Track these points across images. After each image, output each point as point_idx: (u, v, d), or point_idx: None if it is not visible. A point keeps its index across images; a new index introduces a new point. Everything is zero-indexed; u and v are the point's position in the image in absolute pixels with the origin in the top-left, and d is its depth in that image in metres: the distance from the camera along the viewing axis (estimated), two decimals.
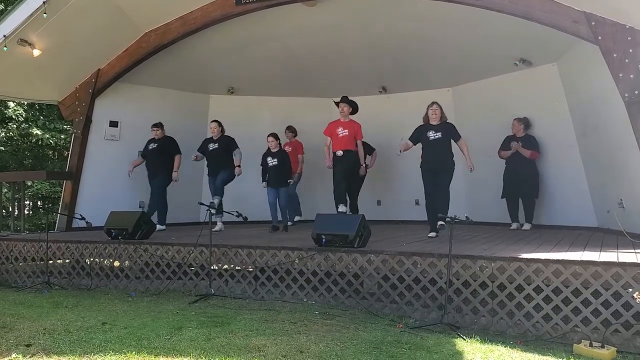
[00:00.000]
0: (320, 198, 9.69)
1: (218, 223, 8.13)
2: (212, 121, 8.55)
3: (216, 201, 7.90)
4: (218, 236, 7.05)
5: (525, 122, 8.54)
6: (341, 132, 7.73)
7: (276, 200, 8.16)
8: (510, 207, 8.50)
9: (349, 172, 7.75)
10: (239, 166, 8.14)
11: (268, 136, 8.30)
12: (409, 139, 7.07)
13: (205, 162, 8.57)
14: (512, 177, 8.38)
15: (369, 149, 9.68)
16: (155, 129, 8.67)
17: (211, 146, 8.35)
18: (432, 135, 6.84)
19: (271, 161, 8.17)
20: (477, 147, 7.99)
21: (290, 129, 9.87)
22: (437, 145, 6.80)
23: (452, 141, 6.88)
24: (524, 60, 8.29)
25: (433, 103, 6.96)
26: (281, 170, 8.13)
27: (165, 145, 8.62)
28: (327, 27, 8.22)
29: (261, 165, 8.38)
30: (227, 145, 8.30)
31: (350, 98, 8.03)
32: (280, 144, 8.39)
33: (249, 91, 10.38)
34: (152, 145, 8.68)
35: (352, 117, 7.99)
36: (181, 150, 8.66)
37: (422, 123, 7.04)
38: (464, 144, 6.91)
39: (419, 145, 7.06)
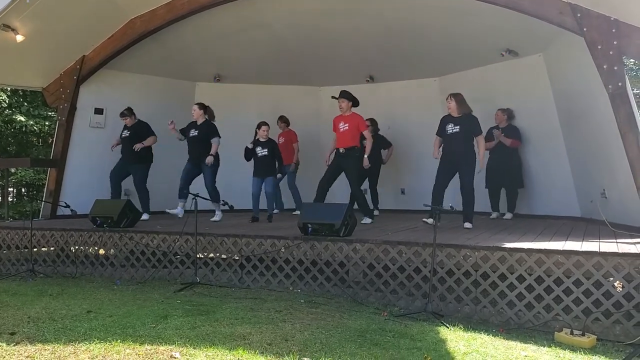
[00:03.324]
0: (311, 188, 9.68)
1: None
2: (195, 104, 8.13)
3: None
4: (204, 225, 7.03)
5: (509, 113, 8.64)
6: (342, 126, 7.58)
7: (260, 191, 7.91)
8: (492, 197, 8.60)
9: (351, 173, 7.63)
10: (212, 155, 7.76)
11: (262, 125, 7.99)
12: (437, 133, 6.87)
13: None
14: (496, 168, 8.46)
15: (385, 143, 9.67)
16: (123, 118, 8.42)
17: (192, 132, 7.96)
18: (450, 128, 6.66)
19: (261, 151, 7.89)
20: None
21: (283, 119, 9.76)
22: (454, 140, 6.62)
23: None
24: (510, 51, 8.33)
25: (448, 95, 6.76)
26: (271, 161, 7.91)
27: (138, 131, 8.38)
28: (315, 15, 8.17)
29: (246, 150, 7.99)
30: (208, 132, 7.91)
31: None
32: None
33: (236, 79, 10.33)
34: (125, 133, 8.45)
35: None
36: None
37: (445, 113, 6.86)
38: (482, 142, 6.77)
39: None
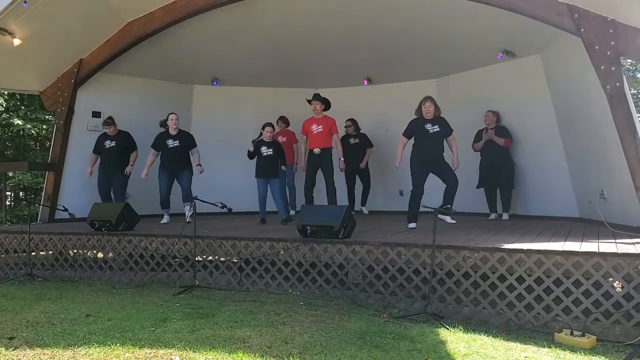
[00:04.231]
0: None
1: (165, 216, 8.23)
2: (172, 113, 8.12)
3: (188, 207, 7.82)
4: (202, 227, 7.01)
5: (498, 115, 8.74)
6: (315, 128, 7.75)
7: (267, 192, 7.91)
8: (489, 198, 8.62)
9: (326, 169, 7.70)
10: (200, 165, 8.04)
11: (266, 126, 8.03)
12: (404, 134, 6.88)
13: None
14: (488, 168, 8.50)
15: (368, 143, 9.72)
16: (107, 127, 8.45)
17: (171, 143, 8.05)
18: (430, 128, 6.69)
19: (266, 151, 7.89)
20: (460, 138, 7.99)
21: (283, 119, 9.79)
22: (436, 139, 6.70)
23: None
24: (507, 52, 8.34)
25: (427, 99, 6.77)
26: (276, 161, 7.95)
27: (125, 142, 8.48)
28: (312, 17, 8.18)
29: (251, 149, 8.00)
30: (188, 143, 8.16)
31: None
32: None
33: (233, 82, 10.31)
34: (108, 143, 8.46)
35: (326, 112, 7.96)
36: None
37: (415, 117, 6.89)
38: (454, 141, 6.87)
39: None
